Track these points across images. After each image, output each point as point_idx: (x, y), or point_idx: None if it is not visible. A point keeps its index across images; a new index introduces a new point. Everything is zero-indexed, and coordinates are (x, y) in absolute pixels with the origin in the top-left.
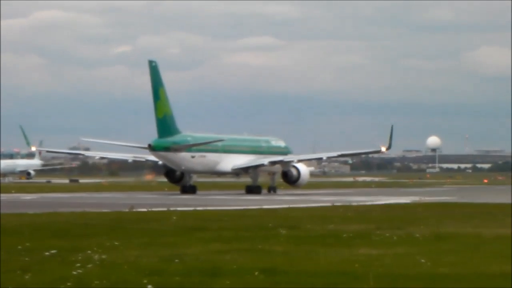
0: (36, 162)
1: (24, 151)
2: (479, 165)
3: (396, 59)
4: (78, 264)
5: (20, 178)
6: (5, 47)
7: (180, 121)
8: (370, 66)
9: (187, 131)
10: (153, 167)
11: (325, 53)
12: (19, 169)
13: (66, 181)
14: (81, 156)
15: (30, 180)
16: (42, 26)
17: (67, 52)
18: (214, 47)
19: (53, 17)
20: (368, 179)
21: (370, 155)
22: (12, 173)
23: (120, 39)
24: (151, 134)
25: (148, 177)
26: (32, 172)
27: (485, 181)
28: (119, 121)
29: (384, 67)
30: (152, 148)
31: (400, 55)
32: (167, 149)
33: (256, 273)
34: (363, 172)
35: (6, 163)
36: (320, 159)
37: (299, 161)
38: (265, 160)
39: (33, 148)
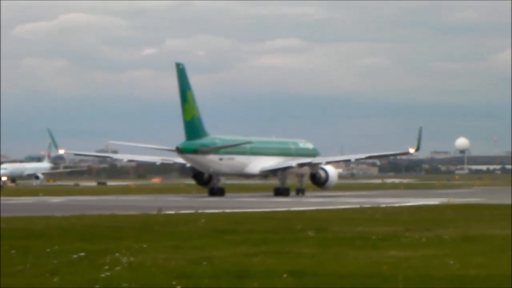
0: (44, 165)
1: (51, 154)
2: (508, 167)
3: (423, 60)
4: (106, 267)
5: (48, 181)
6: (32, 51)
7: (207, 124)
8: (396, 68)
9: (215, 134)
10: (180, 169)
11: (351, 55)
12: (27, 172)
13: (94, 183)
14: (109, 159)
15: (41, 184)
16: (68, 29)
17: (93, 55)
18: (240, 49)
19: (80, 20)
20: (396, 180)
21: (398, 157)
22: (20, 176)
23: (146, 42)
24: (179, 136)
25: (155, 180)
26: (41, 176)
27: None
28: (146, 123)
29: (411, 69)
30: (180, 151)
31: (427, 57)
32: (195, 151)
33: (285, 275)
34: (391, 173)
35: (13, 167)
36: (348, 161)
37: (327, 163)
38: (293, 162)
39: (61, 151)
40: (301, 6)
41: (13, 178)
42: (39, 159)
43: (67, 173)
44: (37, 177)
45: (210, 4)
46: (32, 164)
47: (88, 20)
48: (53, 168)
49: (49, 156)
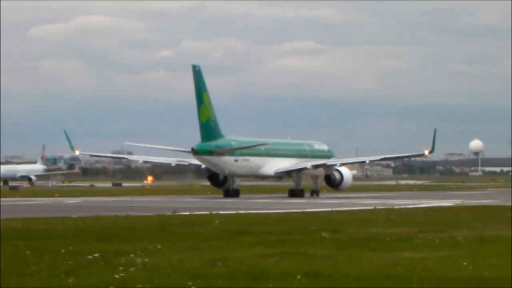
0: (38, 167)
1: (67, 155)
2: None
3: (440, 63)
4: (122, 268)
5: (64, 182)
6: (48, 52)
7: (222, 125)
8: (413, 70)
9: (231, 135)
10: (196, 171)
11: (368, 58)
12: (19, 174)
13: (109, 184)
14: (124, 160)
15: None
16: (85, 31)
17: (109, 57)
18: (256, 51)
19: (96, 22)
20: (410, 182)
21: (413, 159)
22: (13, 178)
23: (162, 43)
24: (194, 138)
25: (149, 180)
26: (34, 178)
27: None
28: (162, 125)
29: (428, 72)
30: (195, 152)
31: (444, 60)
32: (210, 153)
33: (299, 276)
34: (405, 175)
35: (5, 168)
36: (363, 162)
37: (342, 164)
38: (308, 163)
39: (77, 152)
40: (318, 8)
41: (5, 180)
42: (55, 161)
43: (82, 173)
44: (30, 179)
45: (226, 6)
46: (25, 166)
47: (104, 22)
48: (47, 170)
49: (42, 158)
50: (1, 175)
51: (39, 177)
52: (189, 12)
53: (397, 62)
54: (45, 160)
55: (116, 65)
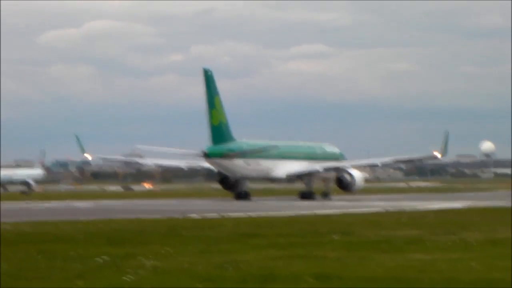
0: (36, 172)
1: (78, 159)
2: None
3: (448, 65)
4: (132, 271)
5: (74, 185)
6: (57, 57)
7: (233, 129)
8: (421, 72)
9: (242, 139)
10: (206, 174)
11: (376, 60)
12: (16, 178)
13: (120, 188)
14: (135, 164)
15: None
16: (93, 36)
17: (119, 62)
18: (266, 55)
19: (105, 27)
20: (421, 184)
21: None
22: (10, 183)
23: (172, 48)
24: (202, 142)
25: (148, 184)
26: (32, 183)
27: None
28: (170, 129)
29: (436, 73)
30: (207, 155)
31: (452, 61)
32: (222, 156)
33: (310, 279)
34: (416, 177)
35: (3, 173)
36: (375, 165)
37: (353, 167)
38: (319, 166)
39: (88, 156)
40: (327, 11)
41: (2, 185)
42: (66, 165)
43: (93, 177)
44: (28, 184)
45: (235, 10)
46: (23, 171)
47: (114, 27)
48: (46, 175)
49: (42, 164)
50: (0, 180)
51: (37, 182)
52: (198, 16)
53: (405, 64)
54: (42, 165)
55: (127, 70)
